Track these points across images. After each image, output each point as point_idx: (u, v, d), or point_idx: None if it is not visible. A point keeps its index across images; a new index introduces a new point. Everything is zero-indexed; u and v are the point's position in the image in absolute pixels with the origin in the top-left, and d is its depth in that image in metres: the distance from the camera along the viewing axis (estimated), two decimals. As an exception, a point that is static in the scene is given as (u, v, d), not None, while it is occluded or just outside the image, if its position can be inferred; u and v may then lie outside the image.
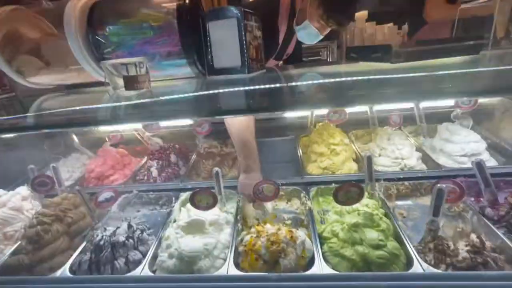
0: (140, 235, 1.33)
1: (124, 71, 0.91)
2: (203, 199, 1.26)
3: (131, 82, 0.93)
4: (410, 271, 1.04)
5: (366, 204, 1.27)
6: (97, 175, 1.80)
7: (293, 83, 1.12)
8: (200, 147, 1.94)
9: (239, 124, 1.43)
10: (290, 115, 2.17)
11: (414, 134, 1.95)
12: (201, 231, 1.27)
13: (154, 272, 1.20)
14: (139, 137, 1.99)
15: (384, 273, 1.02)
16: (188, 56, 1.16)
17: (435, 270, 1.03)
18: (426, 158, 1.71)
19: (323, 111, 1.90)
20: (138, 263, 1.23)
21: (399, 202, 1.55)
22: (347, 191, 1.15)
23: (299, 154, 1.88)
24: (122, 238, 1.26)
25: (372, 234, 1.12)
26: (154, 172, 1.79)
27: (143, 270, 1.18)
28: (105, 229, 1.31)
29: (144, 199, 1.72)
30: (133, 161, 2.02)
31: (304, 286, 0.99)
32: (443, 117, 1.86)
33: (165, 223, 1.44)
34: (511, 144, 1.67)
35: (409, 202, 1.55)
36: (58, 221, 1.37)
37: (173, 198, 1.64)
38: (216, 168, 1.35)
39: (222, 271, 1.12)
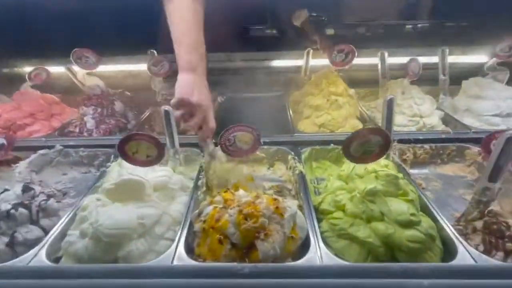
0: (44, 203, 0.87)
1: None
2: (141, 148, 0.80)
3: None
4: (456, 261, 0.67)
5: (386, 165, 0.87)
6: (5, 123, 1.28)
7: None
8: (157, 94, 1.45)
9: (182, 8, 1.06)
10: (280, 64, 1.72)
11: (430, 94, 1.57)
12: (139, 198, 0.83)
13: (59, 258, 0.76)
14: (71, 75, 1.46)
15: (426, 264, 0.63)
16: None
17: (493, 261, 0.67)
18: (447, 119, 1.35)
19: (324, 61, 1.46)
20: (34, 244, 0.78)
21: (413, 171, 1.20)
22: (364, 140, 0.74)
23: (289, 112, 1.45)
24: (6, 206, 0.80)
25: (399, 206, 0.73)
26: (90, 123, 1.30)
27: (36, 256, 0.73)
28: (-18, 193, 0.84)
29: (73, 158, 1.25)
30: (67, 111, 1.51)
31: (294, 284, 0.59)
32: (468, 75, 1.48)
33: (91, 187, 0.98)
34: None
35: (425, 170, 1.23)
36: None
37: (112, 157, 1.17)
38: (166, 107, 0.89)
39: (166, 258, 0.70)
